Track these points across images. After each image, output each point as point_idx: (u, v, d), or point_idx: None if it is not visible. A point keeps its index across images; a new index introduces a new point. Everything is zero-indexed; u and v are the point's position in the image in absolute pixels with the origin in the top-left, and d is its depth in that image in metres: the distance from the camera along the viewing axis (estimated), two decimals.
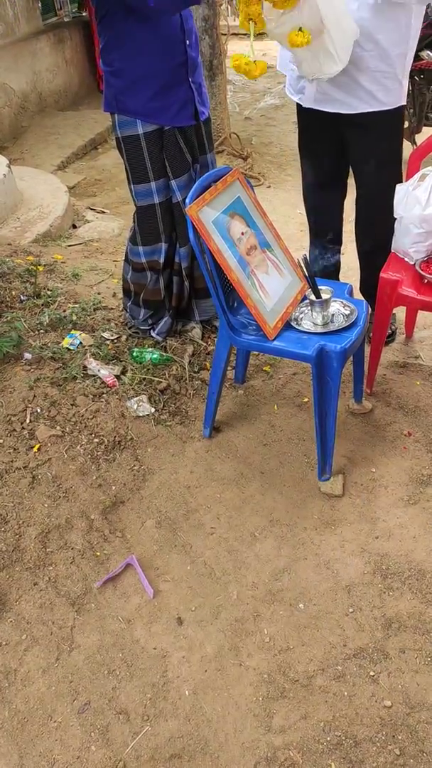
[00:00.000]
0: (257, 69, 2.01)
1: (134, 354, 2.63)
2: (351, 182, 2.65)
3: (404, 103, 2.41)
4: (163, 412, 2.47)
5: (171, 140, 2.40)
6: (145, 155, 2.40)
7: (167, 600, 1.89)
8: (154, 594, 1.90)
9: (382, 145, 2.47)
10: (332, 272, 2.84)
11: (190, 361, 2.63)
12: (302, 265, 2.15)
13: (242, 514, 2.13)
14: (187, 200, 1.98)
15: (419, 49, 4.26)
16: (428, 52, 4.21)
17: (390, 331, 2.80)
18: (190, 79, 2.36)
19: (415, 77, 4.43)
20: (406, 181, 2.42)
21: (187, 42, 2.31)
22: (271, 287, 2.13)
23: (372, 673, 1.67)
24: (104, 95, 2.41)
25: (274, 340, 2.07)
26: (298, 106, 2.55)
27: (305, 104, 2.47)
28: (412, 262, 2.39)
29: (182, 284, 2.69)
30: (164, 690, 1.69)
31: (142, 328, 2.75)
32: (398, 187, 2.41)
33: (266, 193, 4.34)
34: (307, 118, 2.54)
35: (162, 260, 2.60)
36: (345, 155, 2.58)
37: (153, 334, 2.73)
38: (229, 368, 2.56)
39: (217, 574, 1.95)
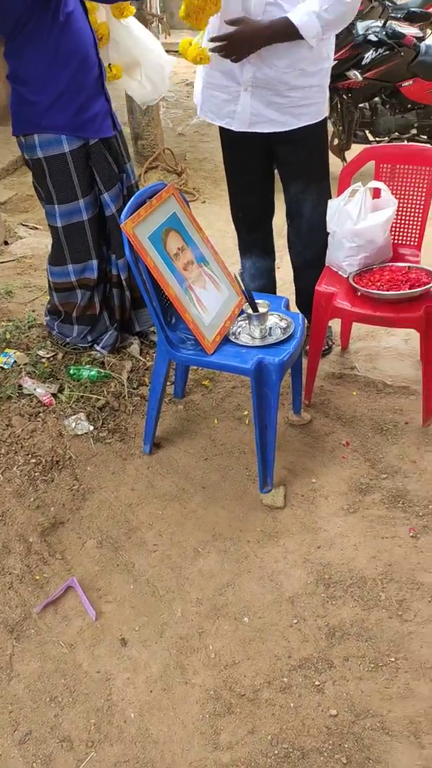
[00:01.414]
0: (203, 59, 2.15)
1: (71, 371, 2.59)
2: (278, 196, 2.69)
3: (327, 114, 2.49)
4: (102, 430, 2.44)
5: (98, 153, 2.39)
6: (72, 173, 2.37)
7: (110, 621, 1.86)
8: (96, 616, 1.86)
9: (314, 158, 2.54)
10: (268, 287, 2.87)
11: (128, 377, 2.61)
12: (239, 279, 2.16)
13: (185, 530, 2.11)
14: (122, 216, 1.97)
15: (346, 69, 4.40)
16: (354, 71, 4.35)
17: (327, 345, 2.85)
18: (105, 91, 2.39)
19: (344, 96, 4.57)
20: (338, 196, 2.49)
21: (98, 53, 2.33)
22: (208, 302, 2.14)
23: (317, 683, 1.68)
24: (17, 116, 2.32)
25: (212, 354, 2.08)
26: (224, 130, 2.51)
27: (236, 128, 2.43)
28: (345, 276, 2.45)
29: (123, 295, 2.67)
30: (109, 714, 1.65)
31: (81, 345, 2.71)
32: (330, 203, 2.47)
33: (201, 208, 4.37)
34: (235, 141, 2.49)
35: (95, 276, 2.57)
36: (271, 174, 2.62)
37: (97, 348, 2.69)
38: (168, 383, 2.55)
39: (161, 592, 1.93)
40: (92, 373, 2.58)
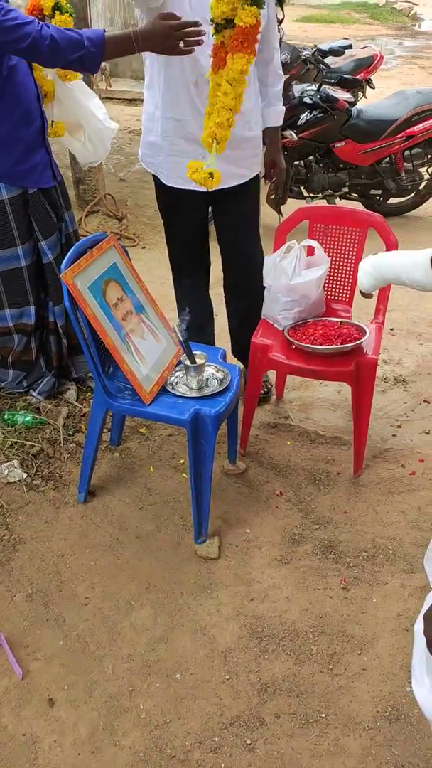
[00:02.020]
0: (215, 181, 2.04)
1: (5, 417, 2.54)
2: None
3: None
4: (36, 477, 2.39)
5: (36, 203, 2.41)
6: (10, 219, 2.37)
7: (38, 680, 1.80)
8: (23, 675, 1.80)
9: (253, 207, 2.64)
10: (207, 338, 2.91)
11: (64, 423, 2.58)
12: (176, 330, 2.19)
13: (118, 582, 2.08)
14: (63, 266, 1.98)
15: (282, 129, 4.58)
16: (290, 131, 4.53)
17: (264, 389, 2.90)
18: (46, 143, 2.41)
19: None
20: (274, 252, 2.57)
21: (42, 107, 2.37)
22: (146, 352, 2.16)
23: (248, 742, 1.66)
24: None
25: (150, 404, 2.09)
26: (168, 190, 2.50)
27: (207, 190, 2.32)
28: (281, 329, 2.52)
29: (60, 342, 2.66)
30: None
31: (16, 390, 2.66)
32: (267, 258, 2.56)
33: (141, 254, 4.42)
34: (182, 198, 2.50)
35: (32, 322, 2.56)
36: (206, 229, 2.68)
37: (34, 394, 2.66)
38: (104, 430, 2.54)
39: (92, 648, 1.89)
40: (27, 418, 2.54)
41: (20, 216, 2.38)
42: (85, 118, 2.57)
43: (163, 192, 2.57)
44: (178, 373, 2.25)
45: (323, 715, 1.72)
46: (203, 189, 2.21)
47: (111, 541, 2.22)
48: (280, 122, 2.64)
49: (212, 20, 2.00)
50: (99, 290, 2.05)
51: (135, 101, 8.46)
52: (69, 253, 2.05)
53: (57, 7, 2.36)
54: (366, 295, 1.96)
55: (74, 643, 1.89)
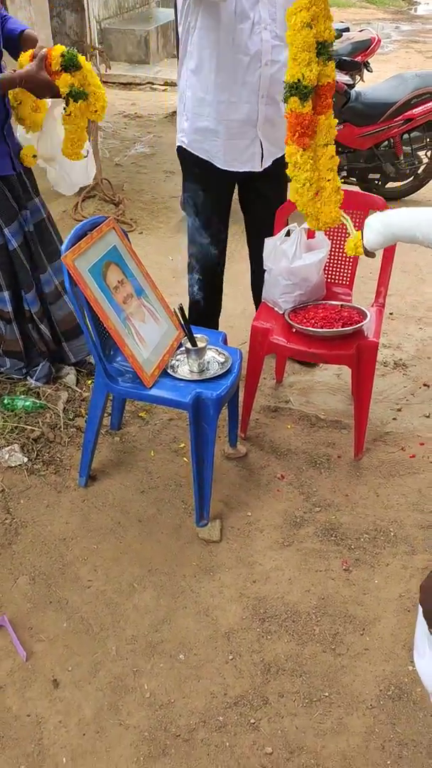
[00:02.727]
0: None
1: (5, 402, 2.54)
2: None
3: None
4: (37, 462, 2.39)
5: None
6: None
7: (42, 661, 1.81)
8: (27, 656, 1.81)
9: (285, 188, 2.64)
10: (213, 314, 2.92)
11: (64, 408, 2.58)
12: (178, 314, 2.19)
13: (120, 565, 2.09)
14: (63, 248, 1.96)
15: None
16: None
17: None
18: (5, 134, 2.38)
19: None
20: (274, 235, 2.56)
21: (6, 99, 2.35)
22: (147, 335, 2.15)
23: (252, 720, 1.68)
24: None
25: (151, 388, 2.08)
26: (209, 171, 2.52)
27: (259, 169, 2.52)
28: (281, 312, 2.51)
29: (39, 330, 2.65)
30: (39, 759, 1.60)
31: (15, 375, 2.66)
32: (267, 242, 2.54)
33: (138, 239, 4.39)
34: (220, 180, 2.55)
35: (9, 309, 2.56)
36: (228, 209, 2.69)
37: (32, 380, 2.65)
38: (105, 415, 2.53)
39: (95, 630, 1.89)
40: (27, 403, 2.53)
41: None
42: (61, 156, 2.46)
43: (206, 174, 2.55)
44: (179, 357, 2.24)
45: (326, 694, 1.73)
46: (256, 170, 2.46)
47: (113, 524, 2.22)
48: None
49: (295, 87, 1.87)
50: (99, 273, 2.04)
51: (130, 85, 8.39)
52: (69, 236, 2.03)
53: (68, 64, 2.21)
54: (370, 254, 1.88)
55: (78, 624, 1.90)
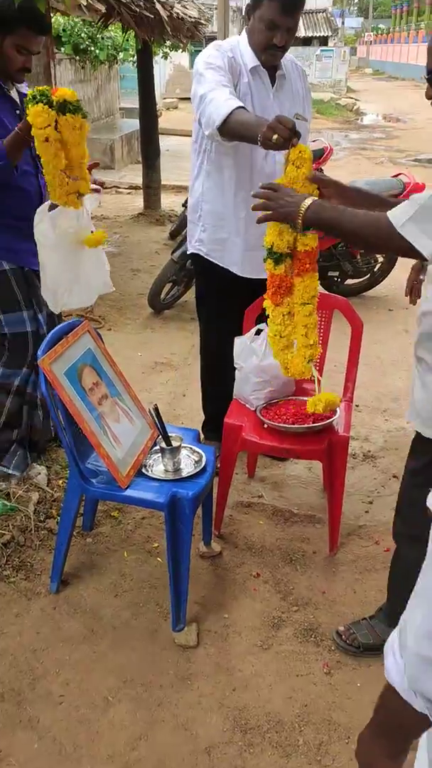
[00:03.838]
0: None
1: None
2: None
3: None
4: (6, 568, 2.32)
5: (33, 281, 2.54)
6: (14, 286, 2.52)
7: None
8: None
9: None
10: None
11: (35, 509, 2.53)
12: (152, 414, 2.21)
13: (94, 677, 2.00)
14: (39, 353, 2.00)
15: None
16: None
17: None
18: None
19: None
20: (244, 334, 2.64)
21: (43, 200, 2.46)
22: (122, 435, 2.16)
23: None
24: None
25: (126, 488, 2.07)
26: (230, 278, 2.65)
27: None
28: (252, 409, 2.56)
29: (32, 415, 2.72)
30: None
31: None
32: (236, 340, 2.62)
33: (107, 336, 4.46)
34: (237, 285, 2.66)
35: (17, 384, 2.63)
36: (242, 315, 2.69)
37: (7, 469, 2.68)
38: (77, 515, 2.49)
39: (68, 750, 1.79)
40: None
41: (22, 285, 2.53)
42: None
43: (217, 278, 2.70)
44: (154, 456, 2.24)
45: None
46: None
47: (85, 632, 2.14)
48: None
49: (270, 251, 2.00)
50: (75, 375, 2.07)
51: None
52: (46, 339, 2.07)
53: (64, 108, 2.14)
54: None
55: (50, 745, 1.79)
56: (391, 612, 2.06)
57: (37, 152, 2.14)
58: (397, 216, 1.54)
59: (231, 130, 2.22)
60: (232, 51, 2.45)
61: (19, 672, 1.99)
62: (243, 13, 2.85)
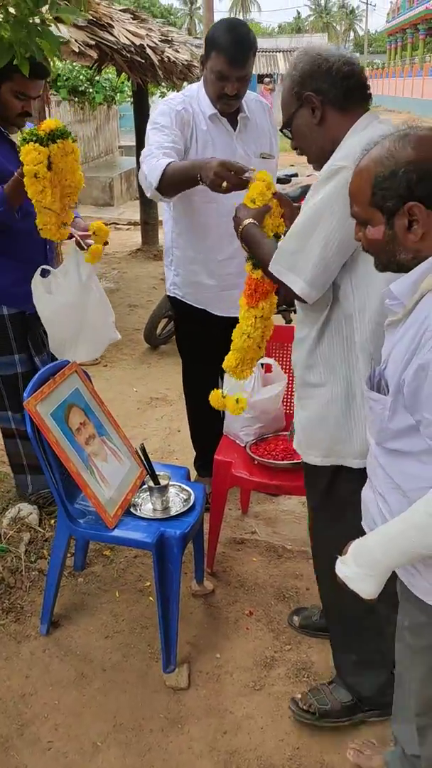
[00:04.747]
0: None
1: None
2: None
3: None
4: None
5: (33, 324, 2.57)
6: (9, 331, 2.56)
7: None
8: None
9: None
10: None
11: (26, 550, 2.52)
12: (140, 453, 2.22)
13: (83, 721, 1.97)
14: (25, 394, 2.01)
15: None
16: None
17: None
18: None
19: None
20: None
21: (48, 247, 2.54)
22: (110, 475, 2.16)
23: None
24: None
25: (114, 529, 2.07)
26: (203, 317, 2.66)
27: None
28: (242, 445, 2.56)
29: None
30: None
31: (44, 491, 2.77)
32: (226, 377, 2.63)
33: (103, 371, 4.50)
34: (215, 323, 2.60)
35: (17, 427, 2.68)
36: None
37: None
38: (68, 555, 2.48)
39: None
40: None
41: (18, 330, 2.57)
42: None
43: (195, 318, 2.71)
44: (142, 494, 2.25)
45: None
46: None
47: (75, 675, 2.12)
48: None
49: (250, 256, 1.96)
50: (62, 416, 2.08)
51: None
52: (33, 380, 2.09)
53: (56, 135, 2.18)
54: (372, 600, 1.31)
55: None
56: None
57: (25, 188, 2.15)
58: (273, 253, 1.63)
59: (169, 185, 2.24)
60: (185, 102, 2.45)
61: (7, 717, 1.97)
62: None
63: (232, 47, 2.29)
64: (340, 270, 1.60)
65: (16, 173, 2.23)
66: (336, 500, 1.78)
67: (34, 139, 2.12)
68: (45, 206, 2.17)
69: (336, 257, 1.57)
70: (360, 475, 1.53)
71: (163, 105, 2.49)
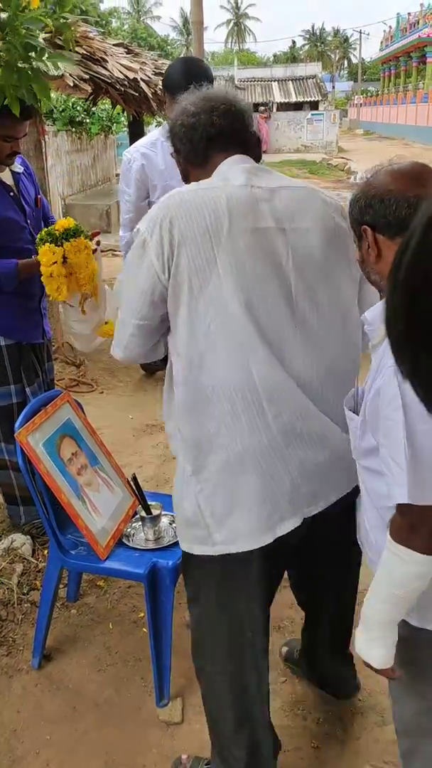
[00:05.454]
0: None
1: None
2: None
3: None
4: None
5: (27, 354, 2.64)
6: (6, 362, 2.60)
7: None
8: None
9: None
10: None
11: (18, 581, 2.50)
12: (131, 483, 2.21)
13: (75, 757, 1.94)
14: (17, 425, 2.02)
15: None
16: None
17: None
18: (42, 307, 2.69)
19: None
20: None
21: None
22: (102, 505, 2.16)
23: None
24: None
25: (105, 560, 2.06)
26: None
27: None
28: None
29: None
30: None
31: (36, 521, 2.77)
32: None
33: (99, 399, 4.50)
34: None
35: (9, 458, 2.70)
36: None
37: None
38: (61, 586, 2.46)
39: None
40: None
41: (14, 361, 2.61)
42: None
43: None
44: (134, 524, 2.24)
45: None
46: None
47: (68, 710, 2.09)
48: None
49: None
50: (53, 447, 2.09)
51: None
52: (24, 411, 2.10)
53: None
54: (388, 671, 1.32)
55: None
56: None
57: (43, 283, 2.45)
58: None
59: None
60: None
61: None
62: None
63: None
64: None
65: (33, 259, 2.42)
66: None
67: (50, 240, 2.38)
68: (61, 301, 2.54)
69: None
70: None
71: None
